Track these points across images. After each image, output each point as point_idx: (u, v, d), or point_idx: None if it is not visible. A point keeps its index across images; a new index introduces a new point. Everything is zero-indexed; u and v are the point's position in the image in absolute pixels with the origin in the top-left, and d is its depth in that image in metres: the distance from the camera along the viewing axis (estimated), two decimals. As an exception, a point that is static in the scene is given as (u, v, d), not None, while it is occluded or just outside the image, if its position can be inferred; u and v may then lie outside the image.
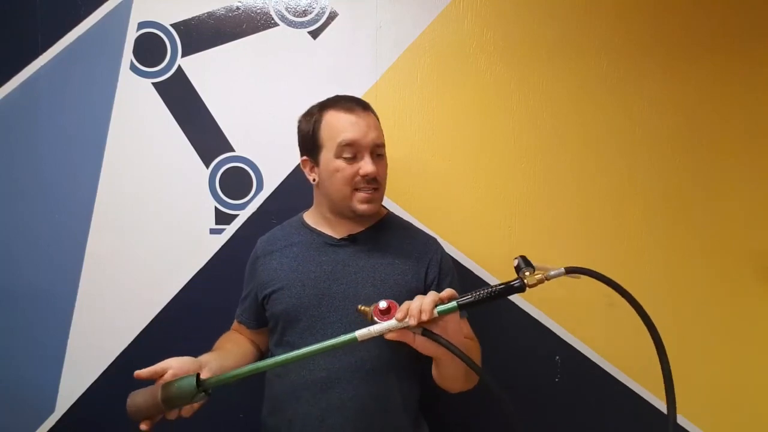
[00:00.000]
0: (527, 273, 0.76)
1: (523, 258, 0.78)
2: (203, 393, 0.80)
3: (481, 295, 0.77)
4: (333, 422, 0.92)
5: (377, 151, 0.96)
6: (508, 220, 1.29)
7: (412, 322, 0.76)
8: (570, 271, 0.74)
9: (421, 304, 0.76)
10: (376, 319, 0.79)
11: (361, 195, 0.94)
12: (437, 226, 1.25)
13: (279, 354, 0.96)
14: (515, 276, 0.77)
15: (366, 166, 0.93)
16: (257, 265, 1.04)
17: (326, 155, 0.95)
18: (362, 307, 0.82)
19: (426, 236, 1.06)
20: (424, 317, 0.75)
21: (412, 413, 1.00)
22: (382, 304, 0.80)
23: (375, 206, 0.97)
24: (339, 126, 0.94)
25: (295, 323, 0.96)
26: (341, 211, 0.98)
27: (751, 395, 1.29)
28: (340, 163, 0.93)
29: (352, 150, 0.93)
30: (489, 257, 1.29)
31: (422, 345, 0.79)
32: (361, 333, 0.79)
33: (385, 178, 0.99)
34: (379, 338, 0.80)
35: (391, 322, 0.77)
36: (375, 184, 0.95)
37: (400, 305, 0.79)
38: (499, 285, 0.77)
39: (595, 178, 1.29)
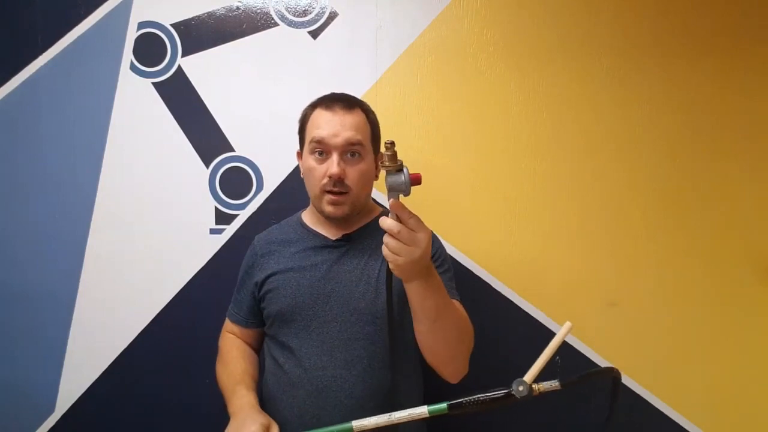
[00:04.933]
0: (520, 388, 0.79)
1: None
2: None
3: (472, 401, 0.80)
4: (330, 421, 0.91)
5: (351, 150, 0.93)
6: (508, 220, 1.29)
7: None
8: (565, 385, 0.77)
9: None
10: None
11: (328, 197, 0.94)
12: (437, 226, 1.24)
13: (276, 353, 0.98)
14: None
15: (332, 166, 0.91)
16: (255, 264, 1.04)
17: (305, 151, 0.97)
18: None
19: None
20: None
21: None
22: None
23: (342, 210, 0.94)
24: (315, 123, 0.95)
25: (291, 323, 0.96)
26: (319, 211, 0.98)
27: (751, 395, 1.29)
28: (312, 161, 0.94)
29: (321, 148, 0.93)
30: (489, 257, 1.29)
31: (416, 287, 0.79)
32: (357, 424, 0.78)
33: (359, 180, 0.94)
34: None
35: None
36: (342, 186, 0.92)
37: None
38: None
39: (595, 177, 1.28)
